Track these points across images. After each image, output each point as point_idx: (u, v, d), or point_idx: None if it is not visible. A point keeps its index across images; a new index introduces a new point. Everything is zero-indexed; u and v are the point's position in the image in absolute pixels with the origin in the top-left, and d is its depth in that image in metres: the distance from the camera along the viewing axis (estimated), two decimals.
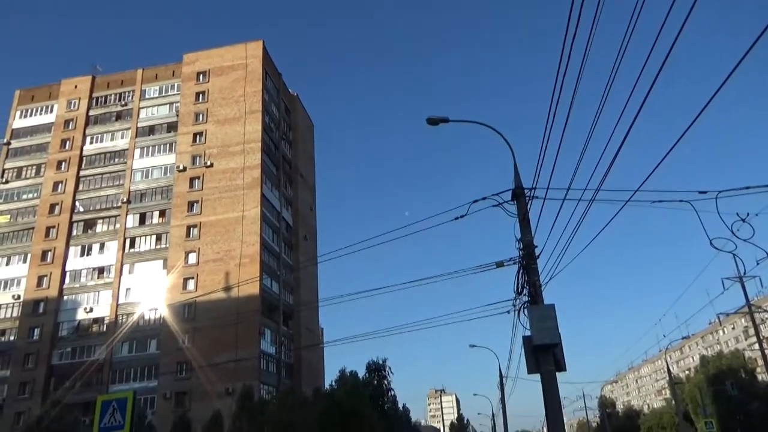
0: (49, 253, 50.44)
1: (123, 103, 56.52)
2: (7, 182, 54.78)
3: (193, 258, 47.60)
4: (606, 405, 78.90)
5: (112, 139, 55.26)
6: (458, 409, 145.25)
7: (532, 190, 10.08)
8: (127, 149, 54.27)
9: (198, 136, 52.60)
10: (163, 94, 56.06)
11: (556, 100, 7.00)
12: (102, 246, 50.48)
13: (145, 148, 53.94)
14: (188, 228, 48.93)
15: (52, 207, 52.43)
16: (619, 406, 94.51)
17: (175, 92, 55.58)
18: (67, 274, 49.94)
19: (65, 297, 48.93)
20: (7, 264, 51.27)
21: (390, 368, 40.37)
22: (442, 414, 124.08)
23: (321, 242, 66.11)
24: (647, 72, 5.71)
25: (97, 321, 48.04)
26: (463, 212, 10.41)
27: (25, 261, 50.92)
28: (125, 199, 51.43)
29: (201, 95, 54.21)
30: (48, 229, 51.49)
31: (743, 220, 8.55)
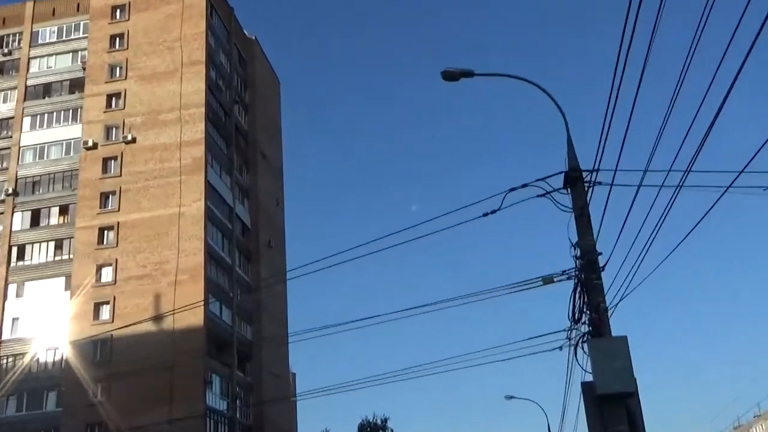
0: None
1: (5, 51, 56.40)
2: None
3: (108, 274, 47.66)
4: None
5: None
6: None
7: (594, 173, 10.07)
8: (12, 117, 54.22)
9: (114, 98, 52.57)
10: (64, 38, 55.97)
11: (626, 46, 6.91)
12: None
13: (39, 117, 53.94)
14: (101, 231, 48.94)
15: None
16: None
17: (81, 35, 55.51)
18: None
19: None
20: None
21: (392, 430, 40.50)
22: None
23: (292, 250, 66.06)
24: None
25: None
26: (496, 205, 10.53)
27: None
28: (10, 190, 51.40)
29: (118, 39, 54.13)
30: None
31: None
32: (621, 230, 9.83)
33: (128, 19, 54.46)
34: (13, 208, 51.27)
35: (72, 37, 55.86)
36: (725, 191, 8.28)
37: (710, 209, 8.90)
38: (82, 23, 55.83)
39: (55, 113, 53.82)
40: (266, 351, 54.29)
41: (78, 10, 56.38)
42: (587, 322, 10.09)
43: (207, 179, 50.08)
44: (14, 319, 48.55)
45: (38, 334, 46.74)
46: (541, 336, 12.75)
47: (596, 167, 9.95)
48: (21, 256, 50.14)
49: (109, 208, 49.56)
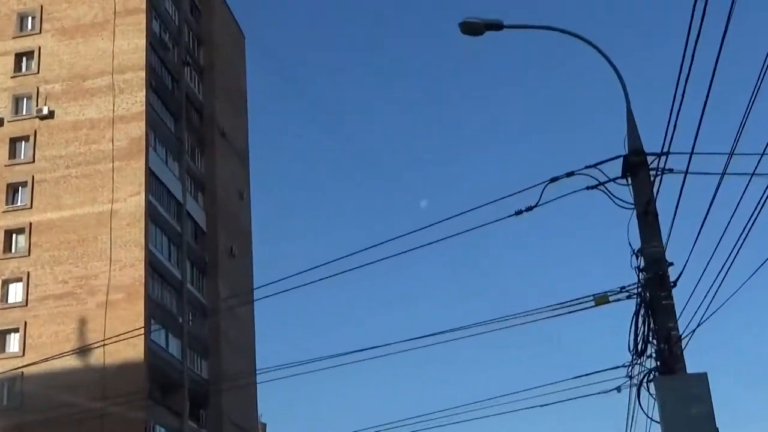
0: None
1: None
2: None
3: (16, 292, 48.03)
4: None
5: None
6: None
7: (663, 158, 10.08)
8: None
9: (25, 58, 53.01)
10: None
11: None
12: None
13: None
14: (8, 234, 49.36)
15: None
16: None
17: None
18: None
19: None
20: None
21: None
22: None
23: (261, 260, 66.08)
24: None
25: None
26: (532, 201, 10.62)
27: None
28: None
29: None
30: None
31: None
32: (699, 232, 9.63)
33: None
34: None
35: None
36: None
37: None
38: None
39: None
40: (227, 393, 54.19)
41: None
42: (654, 354, 10.12)
43: (148, 166, 50.21)
44: None
45: None
46: (593, 373, 12.82)
47: (666, 150, 9.92)
48: None
49: (19, 204, 49.96)
